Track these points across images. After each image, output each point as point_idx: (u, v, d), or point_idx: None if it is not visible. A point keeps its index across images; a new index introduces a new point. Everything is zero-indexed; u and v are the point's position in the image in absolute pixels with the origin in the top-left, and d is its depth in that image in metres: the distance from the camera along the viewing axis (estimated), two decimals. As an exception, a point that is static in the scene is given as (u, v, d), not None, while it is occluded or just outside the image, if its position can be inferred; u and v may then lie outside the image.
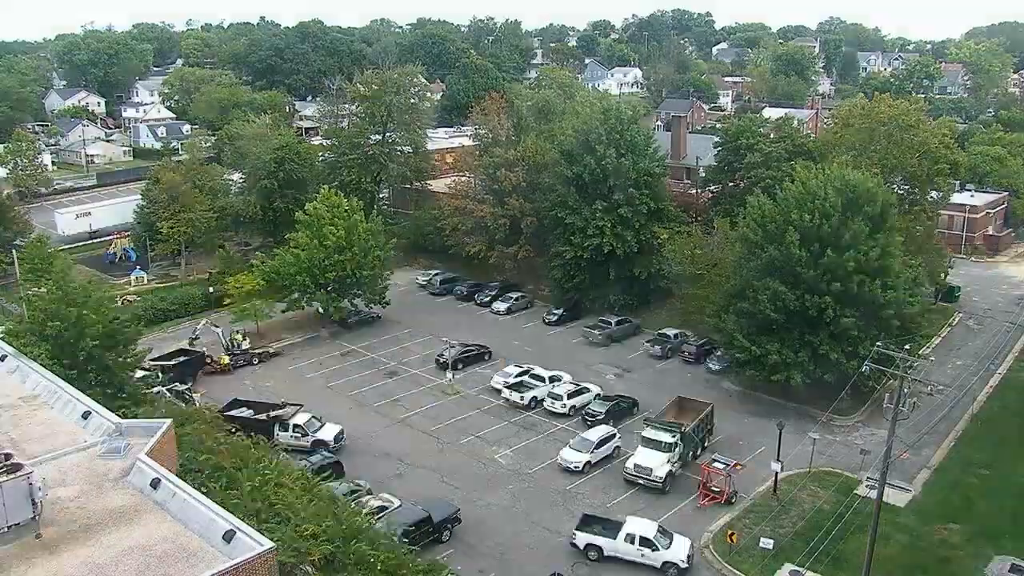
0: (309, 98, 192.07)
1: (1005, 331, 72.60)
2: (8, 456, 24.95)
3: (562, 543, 42.82)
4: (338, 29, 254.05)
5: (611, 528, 41.86)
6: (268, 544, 23.70)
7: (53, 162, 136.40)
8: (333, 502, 35.50)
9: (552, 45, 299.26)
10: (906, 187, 76.76)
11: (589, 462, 49.98)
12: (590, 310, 76.34)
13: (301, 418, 53.00)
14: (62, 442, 29.52)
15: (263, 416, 52.92)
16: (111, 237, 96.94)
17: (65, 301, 45.02)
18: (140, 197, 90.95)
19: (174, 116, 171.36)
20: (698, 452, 51.46)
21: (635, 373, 65.03)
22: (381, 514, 40.67)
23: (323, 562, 31.45)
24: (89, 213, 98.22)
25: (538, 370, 61.74)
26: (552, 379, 60.32)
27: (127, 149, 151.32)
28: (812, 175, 58.24)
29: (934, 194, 79.79)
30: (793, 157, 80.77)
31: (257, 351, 67.62)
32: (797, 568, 39.80)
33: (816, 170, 59.48)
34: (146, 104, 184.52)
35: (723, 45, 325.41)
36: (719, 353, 64.65)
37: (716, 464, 47.60)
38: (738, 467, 47.57)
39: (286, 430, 52.17)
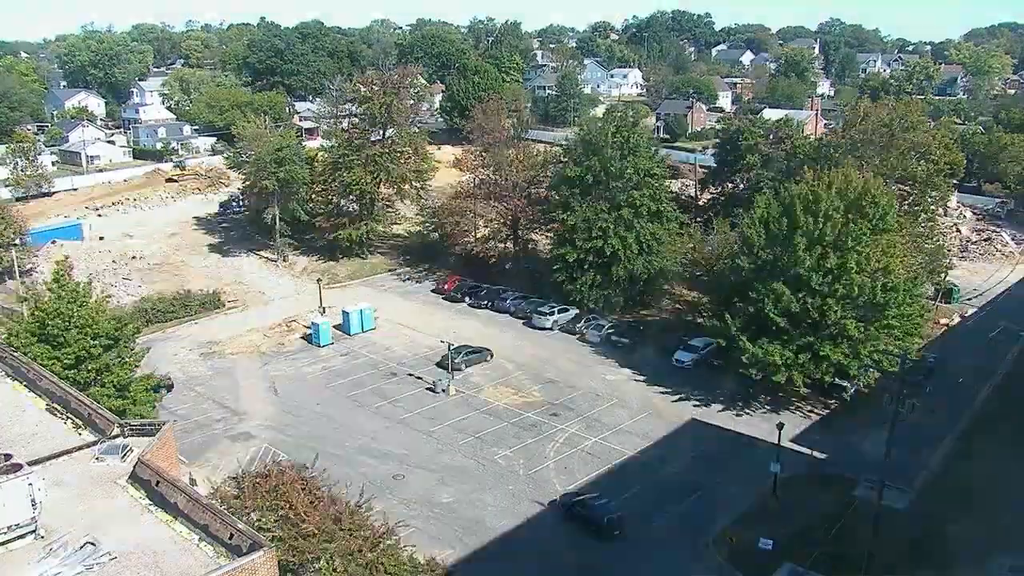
0: (309, 98, 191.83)
1: (1000, 332, 72.72)
2: (8, 456, 24.96)
3: (562, 542, 42.89)
4: (338, 29, 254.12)
5: None
6: (268, 544, 23.72)
7: (53, 163, 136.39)
8: (333, 502, 35.42)
9: (552, 46, 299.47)
10: (906, 188, 76.80)
11: None
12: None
13: None
14: (62, 442, 29.54)
15: None
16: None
17: (65, 301, 44.96)
18: None
19: (174, 117, 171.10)
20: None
21: (638, 374, 64.98)
22: None
23: (322, 562, 31.42)
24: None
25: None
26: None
27: (127, 150, 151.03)
28: (816, 178, 58.46)
29: (934, 194, 79.81)
30: (791, 159, 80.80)
31: None
32: (797, 568, 39.78)
33: (821, 173, 59.68)
34: (146, 105, 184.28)
35: (723, 46, 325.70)
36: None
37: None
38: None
39: None
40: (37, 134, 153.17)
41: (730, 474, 49.22)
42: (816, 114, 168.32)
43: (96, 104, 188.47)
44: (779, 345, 54.80)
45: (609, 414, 57.62)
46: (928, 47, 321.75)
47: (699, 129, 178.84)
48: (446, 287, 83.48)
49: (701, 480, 48.75)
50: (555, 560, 41.66)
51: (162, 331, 73.18)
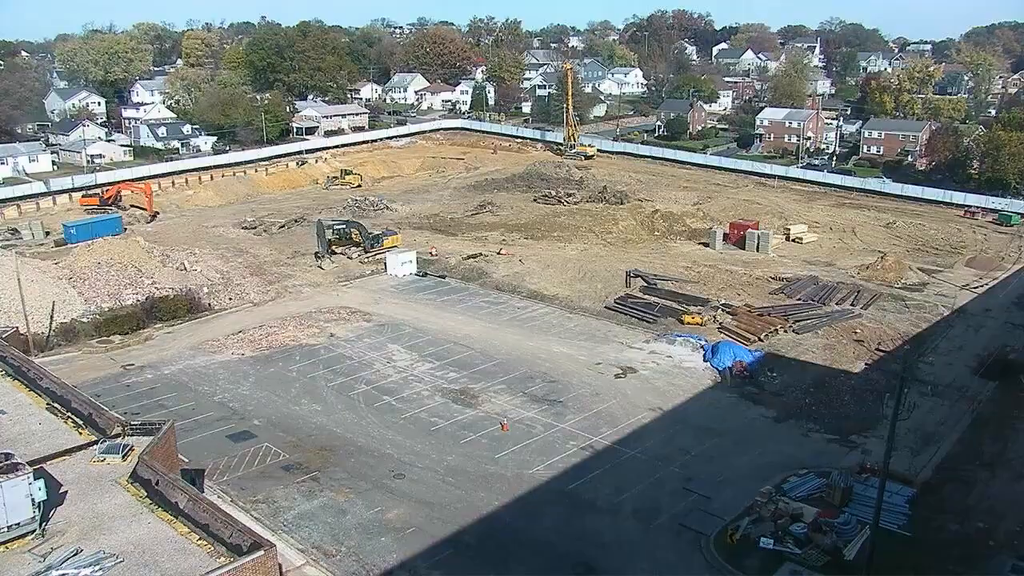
0: (309, 98, 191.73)
1: (1004, 328, 72.74)
2: (8, 456, 24.99)
3: (563, 542, 42.87)
4: (338, 29, 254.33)
5: None
6: (269, 544, 23.75)
7: (53, 162, 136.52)
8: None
9: (553, 46, 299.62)
10: None
11: None
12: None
13: None
14: (62, 442, 29.57)
15: None
16: None
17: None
18: None
19: (175, 116, 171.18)
20: None
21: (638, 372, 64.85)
22: None
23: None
24: None
25: None
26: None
27: (128, 149, 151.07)
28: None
29: None
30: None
31: None
32: (797, 568, 39.75)
33: None
34: (147, 104, 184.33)
35: (723, 45, 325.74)
36: None
37: None
38: None
39: None
40: (38, 133, 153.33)
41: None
42: (816, 113, 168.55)
43: (96, 103, 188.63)
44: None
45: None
46: (928, 46, 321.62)
47: (700, 128, 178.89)
48: None
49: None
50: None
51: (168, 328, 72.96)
